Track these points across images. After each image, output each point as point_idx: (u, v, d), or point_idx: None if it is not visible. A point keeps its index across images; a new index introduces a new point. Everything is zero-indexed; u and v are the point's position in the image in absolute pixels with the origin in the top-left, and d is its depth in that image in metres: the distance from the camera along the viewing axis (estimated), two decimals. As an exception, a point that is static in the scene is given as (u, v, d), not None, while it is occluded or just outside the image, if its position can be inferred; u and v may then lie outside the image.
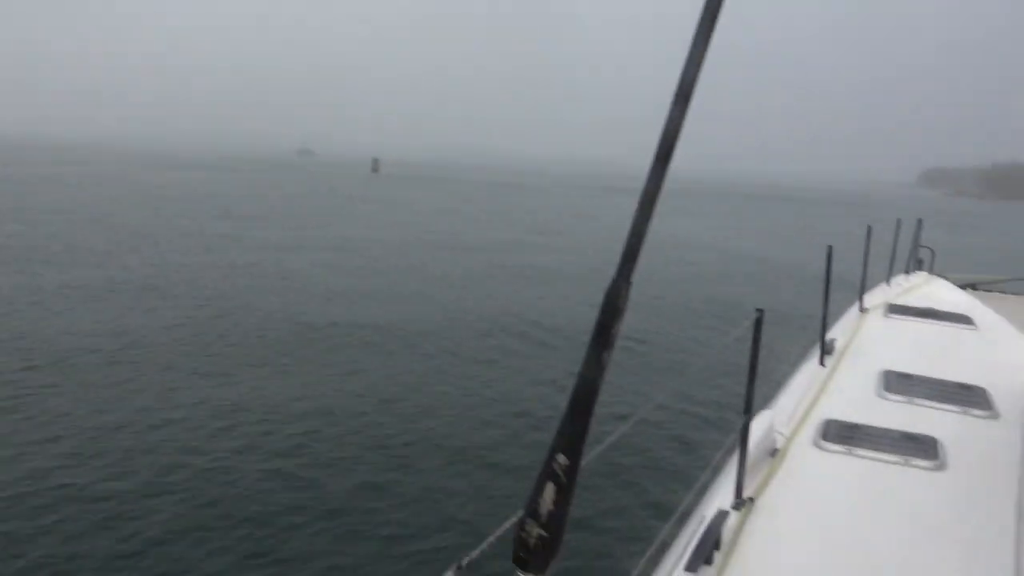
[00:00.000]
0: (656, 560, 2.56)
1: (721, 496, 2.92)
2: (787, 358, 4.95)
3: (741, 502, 2.85)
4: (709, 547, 2.48)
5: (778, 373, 4.64)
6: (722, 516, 2.69)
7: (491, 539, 1.31)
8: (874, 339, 5.44)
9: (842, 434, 3.50)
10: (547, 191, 66.92)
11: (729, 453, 3.09)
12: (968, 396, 4.12)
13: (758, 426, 3.26)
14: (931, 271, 8.64)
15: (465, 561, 1.22)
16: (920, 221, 8.44)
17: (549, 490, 1.12)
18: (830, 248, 4.64)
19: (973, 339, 5.66)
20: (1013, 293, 8.53)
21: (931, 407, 3.93)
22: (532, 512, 1.13)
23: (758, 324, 2.82)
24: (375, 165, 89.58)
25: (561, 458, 1.12)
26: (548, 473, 1.12)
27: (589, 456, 1.72)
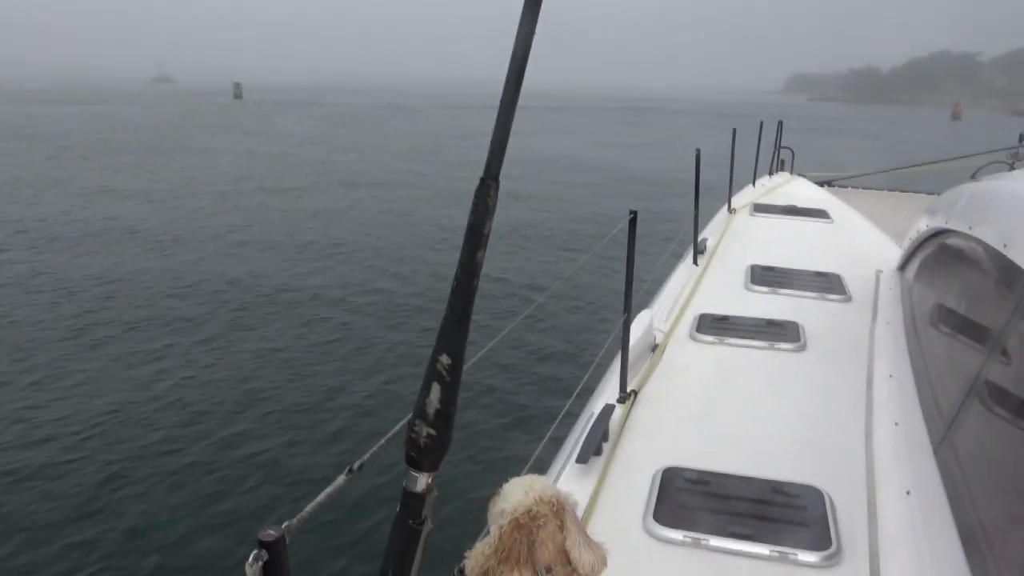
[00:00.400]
0: (548, 455, 2.73)
1: (607, 391, 3.13)
2: (664, 260, 5.27)
3: (625, 396, 3.06)
4: (598, 439, 2.67)
5: (656, 274, 4.96)
6: (609, 410, 2.88)
7: (382, 442, 1.33)
8: (742, 237, 5.88)
9: (715, 326, 3.82)
10: (427, 112, 64.74)
11: (612, 351, 3.29)
12: (825, 283, 4.58)
13: (639, 324, 3.48)
14: (792, 171, 9.34)
15: (357, 464, 1.25)
16: (780, 124, 9.00)
17: (435, 390, 1.17)
18: (698, 151, 4.91)
19: (829, 231, 6.24)
20: (864, 187, 9.37)
21: (793, 295, 4.36)
22: (420, 412, 1.18)
23: (632, 224, 2.97)
24: (237, 91, 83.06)
25: (444, 359, 1.16)
26: (433, 374, 1.16)
27: (474, 357, 1.79)
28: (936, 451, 2.25)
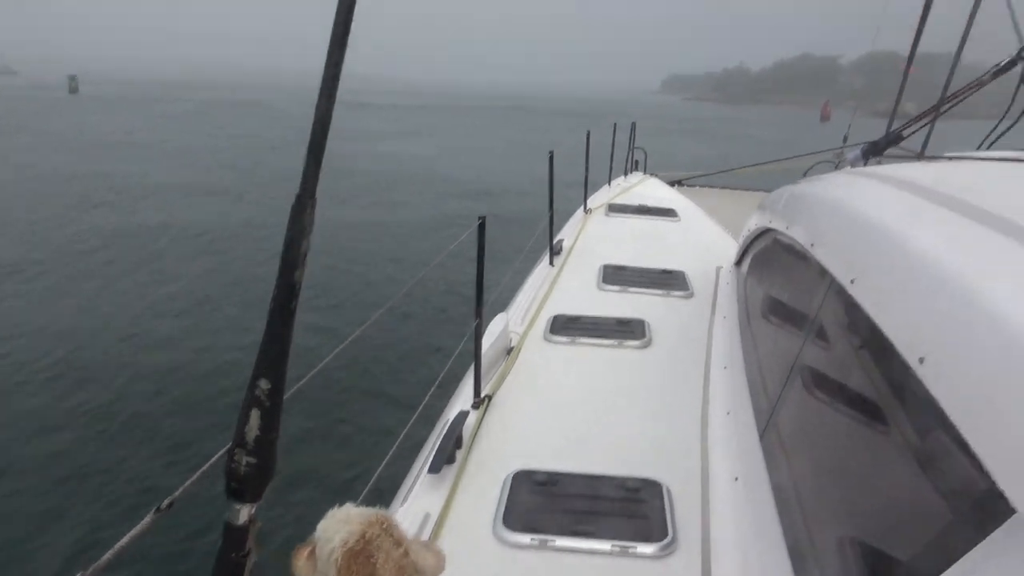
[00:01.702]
0: (400, 469, 2.82)
1: (462, 398, 3.26)
2: (522, 262, 5.52)
3: (479, 401, 3.20)
4: (450, 447, 2.78)
5: (515, 276, 5.19)
6: (462, 416, 3.01)
7: (195, 476, 1.32)
8: (596, 237, 6.29)
9: (567, 326, 4.08)
10: (280, 110, 61.67)
11: (466, 356, 3.43)
12: (671, 280, 5.00)
13: (494, 327, 3.66)
14: (645, 171, 10.00)
15: (166, 502, 1.22)
16: (634, 125, 9.57)
17: (255, 416, 1.17)
18: (551, 154, 5.22)
19: (677, 229, 6.78)
20: (710, 186, 10.19)
21: (641, 293, 4.74)
22: (240, 441, 1.18)
23: (481, 230, 3.12)
24: (73, 84, 77.18)
25: (263, 383, 1.17)
26: (252, 400, 1.17)
27: (307, 376, 1.83)
28: (761, 437, 2.53)
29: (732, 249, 5.34)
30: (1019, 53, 2.97)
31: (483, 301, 3.20)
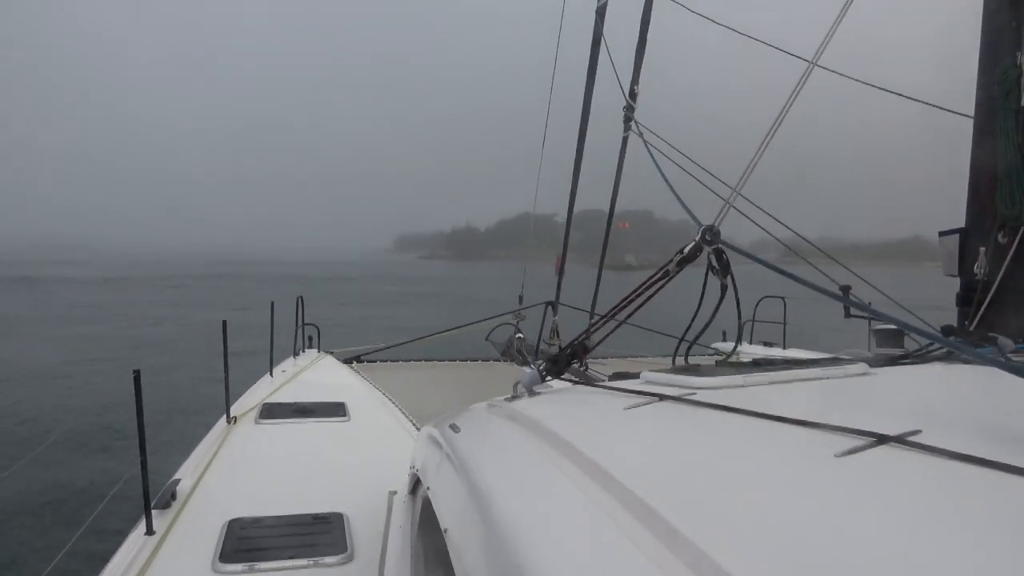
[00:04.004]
0: None
1: None
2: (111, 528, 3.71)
3: None
4: None
5: (91, 561, 3.41)
6: None
7: None
8: (231, 467, 4.48)
9: None
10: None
11: None
12: (323, 534, 3.44)
13: None
14: (319, 349, 8.78)
15: None
16: (300, 300, 8.53)
17: None
18: (136, 374, 3.62)
19: (344, 436, 5.27)
20: (392, 360, 9.26)
21: (278, 570, 3.24)
22: None
23: None
24: None
25: None
26: None
27: None
28: None
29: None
30: (702, 235, 2.31)
31: None
